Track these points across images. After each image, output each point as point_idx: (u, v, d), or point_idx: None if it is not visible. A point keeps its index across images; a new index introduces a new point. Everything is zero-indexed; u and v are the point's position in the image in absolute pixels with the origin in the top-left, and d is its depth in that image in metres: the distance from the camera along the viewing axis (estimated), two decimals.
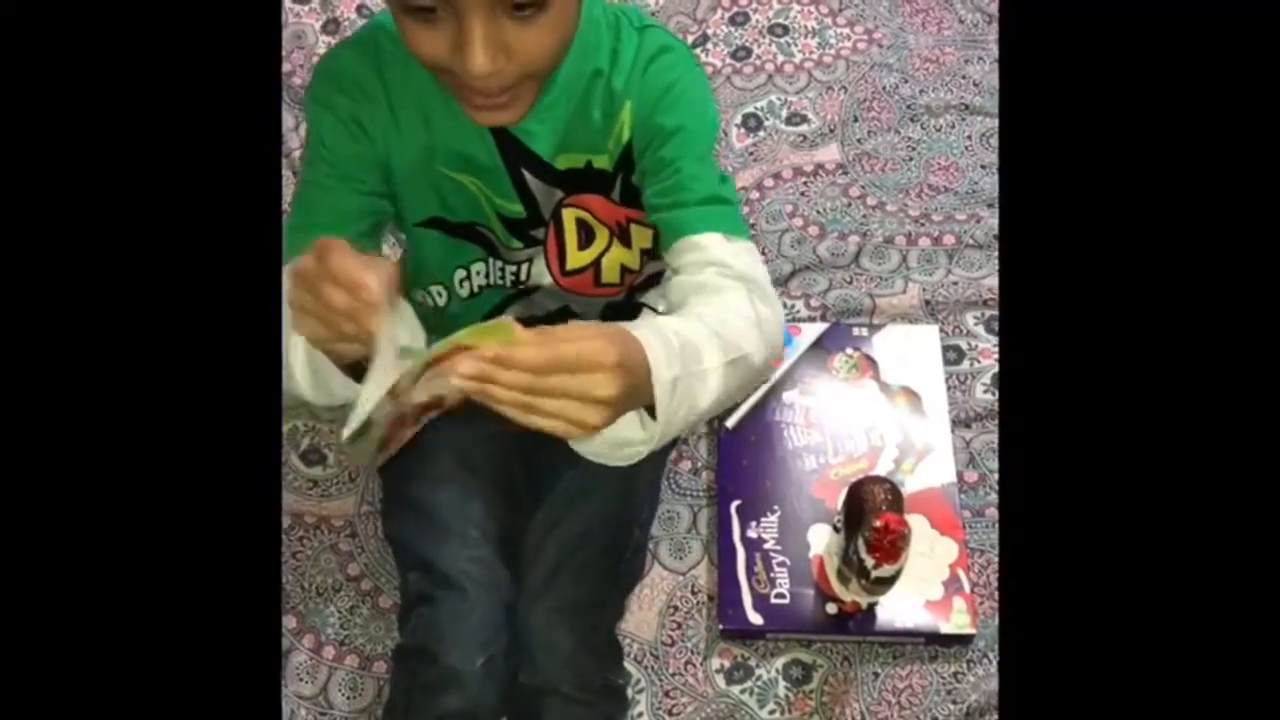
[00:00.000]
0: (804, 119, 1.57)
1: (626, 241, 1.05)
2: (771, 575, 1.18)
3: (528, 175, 0.98)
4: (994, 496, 1.27)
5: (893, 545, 1.07)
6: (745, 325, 0.89)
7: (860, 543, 1.09)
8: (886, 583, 1.12)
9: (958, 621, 1.16)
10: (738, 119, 1.57)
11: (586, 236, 1.04)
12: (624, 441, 0.84)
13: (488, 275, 1.06)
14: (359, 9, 1.67)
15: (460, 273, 1.05)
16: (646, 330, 0.81)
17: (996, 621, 1.19)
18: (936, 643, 1.17)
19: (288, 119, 1.54)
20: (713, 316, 0.87)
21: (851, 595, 1.15)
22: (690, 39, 1.65)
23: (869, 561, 1.09)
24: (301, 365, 0.86)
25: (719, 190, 0.97)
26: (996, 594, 1.21)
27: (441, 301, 1.07)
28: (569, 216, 1.02)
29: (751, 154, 1.54)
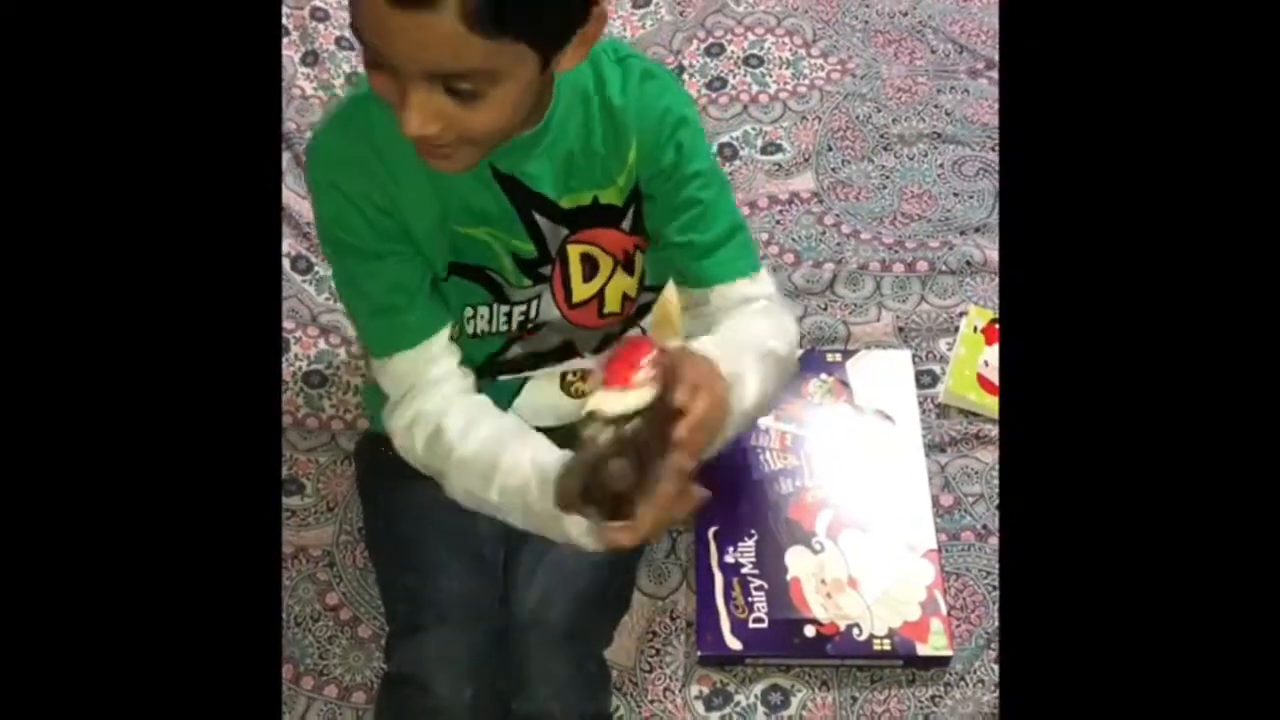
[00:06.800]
0: (779, 148, 1.59)
1: (630, 269, 1.08)
2: (749, 600, 1.19)
3: (537, 216, 1.01)
4: (969, 519, 1.28)
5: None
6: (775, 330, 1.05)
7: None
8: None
9: (935, 643, 1.16)
10: (714, 149, 1.58)
11: (591, 269, 1.06)
12: None
13: (490, 320, 1.08)
14: (338, 40, 1.68)
15: (469, 310, 1.07)
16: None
17: (973, 644, 1.20)
18: (914, 665, 1.18)
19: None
20: (746, 334, 1.01)
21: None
22: None
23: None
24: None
25: (735, 218, 1.06)
26: (972, 617, 1.22)
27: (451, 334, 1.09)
28: (574, 253, 1.04)
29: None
